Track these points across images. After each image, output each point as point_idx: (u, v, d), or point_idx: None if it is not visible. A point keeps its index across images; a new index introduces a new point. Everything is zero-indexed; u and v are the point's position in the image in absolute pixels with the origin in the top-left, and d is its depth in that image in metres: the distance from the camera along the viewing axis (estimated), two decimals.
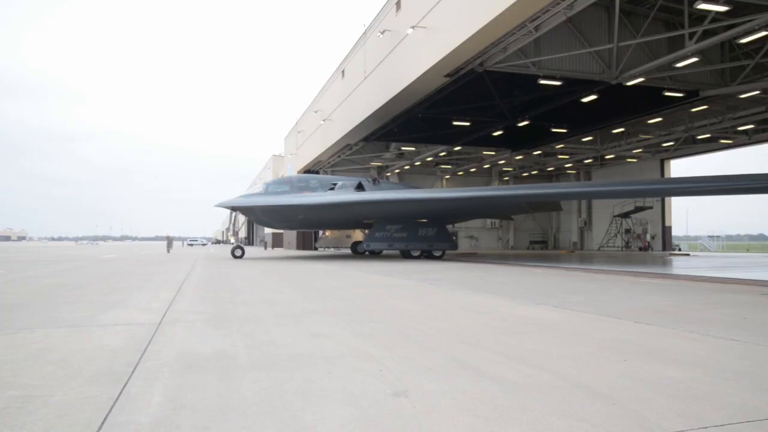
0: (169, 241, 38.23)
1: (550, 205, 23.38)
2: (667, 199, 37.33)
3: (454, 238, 23.92)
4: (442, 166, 43.48)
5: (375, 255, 23.57)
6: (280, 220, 21.50)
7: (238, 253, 21.52)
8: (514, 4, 13.18)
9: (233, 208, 21.25)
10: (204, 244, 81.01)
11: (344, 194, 20.75)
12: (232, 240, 22.07)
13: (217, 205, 21.25)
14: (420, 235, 20.29)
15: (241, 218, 21.79)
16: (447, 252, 21.91)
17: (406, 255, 20.68)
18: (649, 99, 22.80)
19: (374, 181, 22.72)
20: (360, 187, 21.70)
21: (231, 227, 21.88)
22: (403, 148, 35.97)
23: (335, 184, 21.83)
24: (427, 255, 20.69)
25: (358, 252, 25.18)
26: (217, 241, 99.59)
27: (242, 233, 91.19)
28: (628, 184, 20.69)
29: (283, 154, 53.52)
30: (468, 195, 20.22)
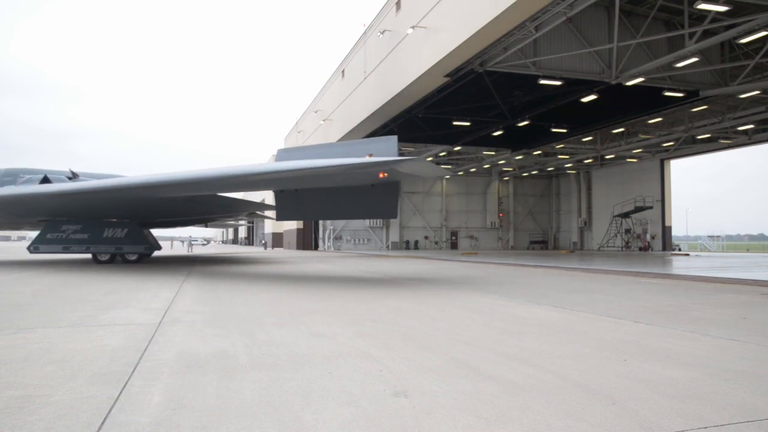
0: (189, 242, 42.61)
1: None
2: (667, 198, 37.32)
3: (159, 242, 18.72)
4: (443, 166, 43.54)
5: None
6: None
7: None
8: (514, 4, 13.18)
9: None
10: (204, 244, 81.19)
11: (13, 189, 16.46)
12: None
13: None
14: (107, 236, 16.94)
15: None
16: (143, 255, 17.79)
17: (95, 259, 17.30)
18: (649, 99, 22.80)
19: (72, 175, 18.27)
20: (46, 181, 17.31)
21: None
22: (403, 148, 36.02)
23: (23, 177, 17.77)
24: (123, 259, 17.42)
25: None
26: (207, 241, 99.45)
27: (242, 233, 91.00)
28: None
29: None
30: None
